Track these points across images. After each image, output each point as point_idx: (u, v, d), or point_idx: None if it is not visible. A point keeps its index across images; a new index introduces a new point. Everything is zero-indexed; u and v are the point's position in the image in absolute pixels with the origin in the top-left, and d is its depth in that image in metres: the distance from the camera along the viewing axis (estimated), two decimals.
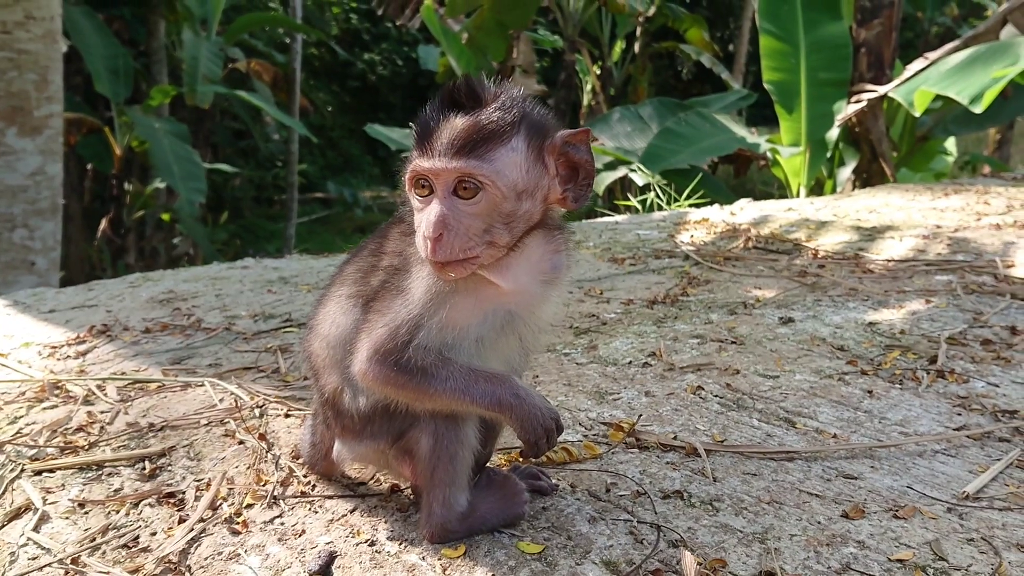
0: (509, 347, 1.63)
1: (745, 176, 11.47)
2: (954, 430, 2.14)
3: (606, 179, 9.19)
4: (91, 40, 12.34)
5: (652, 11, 14.48)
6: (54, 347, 2.93)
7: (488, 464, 1.82)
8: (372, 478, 1.90)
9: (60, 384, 2.49)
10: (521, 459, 1.90)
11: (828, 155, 8.61)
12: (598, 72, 16.30)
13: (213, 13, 14.24)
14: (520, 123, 1.46)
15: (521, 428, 1.55)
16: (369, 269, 1.67)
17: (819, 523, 1.69)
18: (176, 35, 14.64)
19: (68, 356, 2.84)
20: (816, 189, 8.68)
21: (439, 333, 1.52)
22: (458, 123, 1.44)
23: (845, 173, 8.70)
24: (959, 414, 2.24)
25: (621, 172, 9.12)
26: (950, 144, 11.30)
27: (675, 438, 2.08)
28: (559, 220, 1.60)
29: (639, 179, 8.33)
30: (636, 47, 16.74)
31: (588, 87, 16.64)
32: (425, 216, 1.45)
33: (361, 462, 1.82)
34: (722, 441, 2.07)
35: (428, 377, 1.52)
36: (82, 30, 12.21)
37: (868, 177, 8.61)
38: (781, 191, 10.40)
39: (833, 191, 8.45)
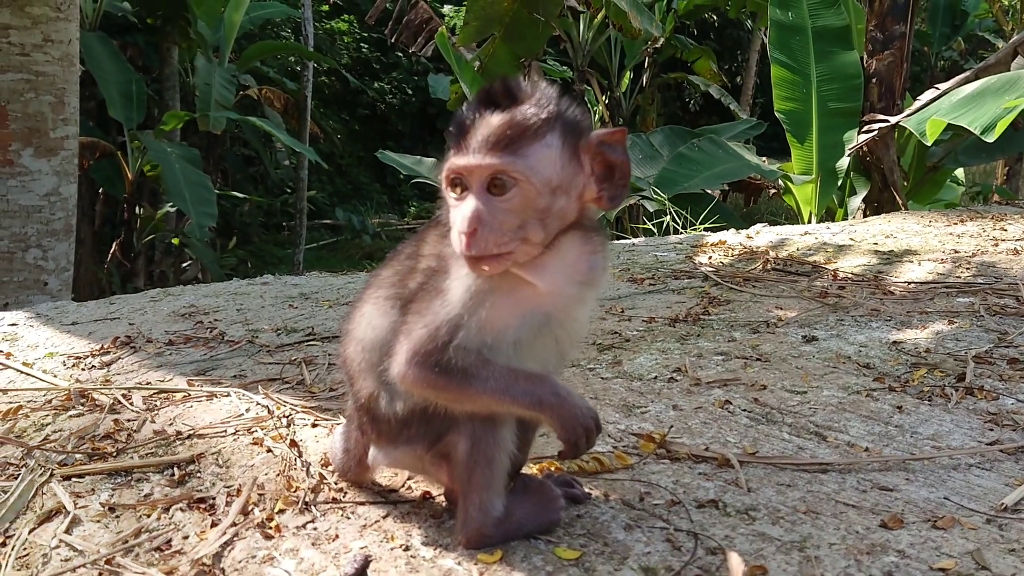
0: (546, 349, 1.62)
1: (755, 205, 11.49)
2: (987, 444, 2.12)
3: None
4: (105, 66, 12.45)
5: (662, 41, 14.59)
6: (78, 357, 2.93)
7: (522, 471, 1.81)
8: (403, 485, 1.89)
9: (86, 393, 2.49)
10: (557, 467, 1.89)
11: (839, 184, 8.64)
12: (606, 102, 16.41)
13: (226, 41, 14.40)
14: (555, 120, 1.48)
15: (561, 428, 1.55)
16: (406, 272, 1.66)
17: (858, 532, 1.68)
18: (189, 62, 14.78)
19: (93, 366, 2.84)
20: (827, 217, 8.69)
21: (479, 333, 1.52)
22: (493, 120, 1.46)
23: (856, 202, 8.71)
24: (991, 429, 2.23)
25: (633, 199, 9.14)
26: (959, 175, 11.32)
27: (707, 449, 2.06)
28: (595, 222, 1.60)
29: (651, 206, 8.35)
30: (644, 78, 16.87)
31: (597, 117, 16.74)
32: (460, 212, 1.46)
33: (397, 467, 1.81)
34: (754, 453, 2.06)
35: (469, 377, 1.51)
36: (97, 56, 12.32)
37: (879, 206, 8.62)
38: (790, 220, 10.42)
39: (844, 220, 8.46)
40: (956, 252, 4.46)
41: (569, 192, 1.50)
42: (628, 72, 16.79)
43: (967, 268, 4.06)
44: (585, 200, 1.53)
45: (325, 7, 21.11)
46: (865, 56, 8.77)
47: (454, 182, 1.48)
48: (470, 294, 1.52)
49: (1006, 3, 15.56)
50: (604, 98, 16.38)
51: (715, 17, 21.61)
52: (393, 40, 12.25)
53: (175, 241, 13.78)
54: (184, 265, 14.57)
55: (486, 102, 1.49)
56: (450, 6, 20.14)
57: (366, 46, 21.91)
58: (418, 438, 1.64)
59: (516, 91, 1.49)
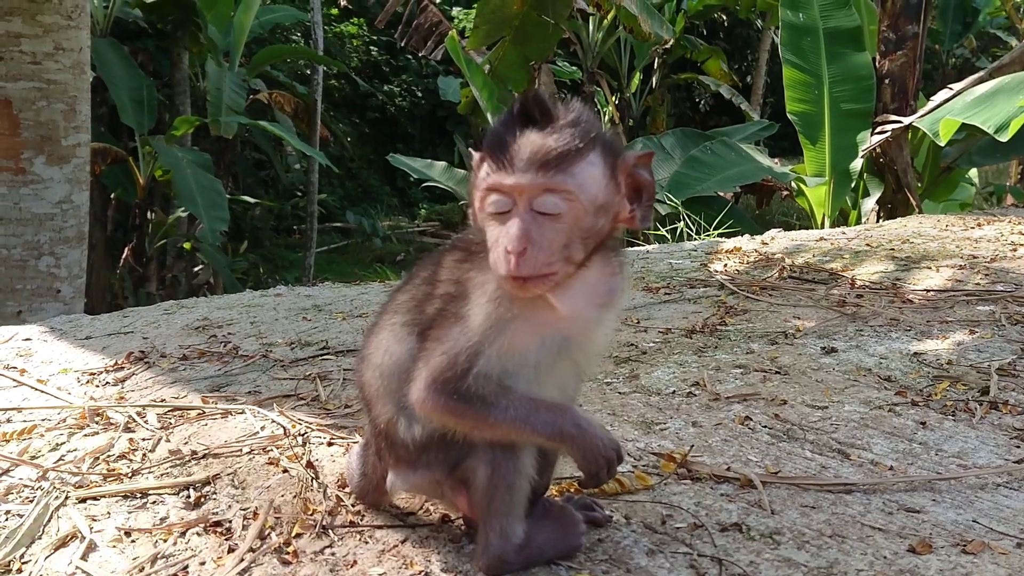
0: (565, 373, 1.61)
1: (767, 207, 11.43)
2: (1014, 462, 2.09)
3: None
4: (117, 71, 12.49)
5: (671, 42, 14.54)
6: (92, 373, 2.92)
7: (544, 495, 1.78)
8: (421, 508, 1.87)
9: (100, 411, 2.47)
10: (577, 488, 1.86)
11: (852, 186, 8.58)
12: (616, 103, 16.36)
13: (236, 45, 14.41)
14: (595, 140, 1.46)
15: (582, 459, 1.53)
16: (423, 297, 1.64)
17: (885, 558, 1.65)
18: (199, 67, 14.82)
19: (107, 383, 2.83)
20: (841, 219, 8.64)
21: (499, 360, 1.50)
22: (536, 139, 1.43)
23: (869, 204, 8.65)
24: (1017, 446, 2.19)
25: None
26: (972, 175, 11.24)
27: (728, 469, 2.03)
28: (616, 243, 1.59)
29: (663, 210, 8.30)
30: (654, 79, 16.83)
31: (607, 118, 16.70)
32: (506, 231, 1.42)
33: (415, 492, 1.79)
34: (776, 473, 2.03)
35: (488, 406, 1.49)
36: (108, 62, 12.36)
37: (893, 207, 8.56)
38: (802, 222, 10.36)
39: (858, 221, 8.40)
40: (974, 258, 4.41)
41: (608, 212, 1.49)
42: (638, 73, 16.76)
43: (986, 275, 4.01)
44: (619, 220, 1.52)
45: (335, 11, 21.13)
46: (877, 57, 8.71)
47: (496, 202, 1.45)
48: (490, 321, 1.50)
49: (1018, 0, 15.44)
50: (614, 99, 16.35)
51: (724, 17, 21.51)
52: (403, 43, 12.26)
53: (187, 246, 13.81)
54: (196, 270, 14.60)
55: (522, 119, 1.46)
56: (459, 8, 20.13)
57: (375, 49, 21.92)
58: (437, 463, 1.62)
59: (552, 109, 1.47)
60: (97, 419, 2.43)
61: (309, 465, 2.06)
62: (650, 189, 1.53)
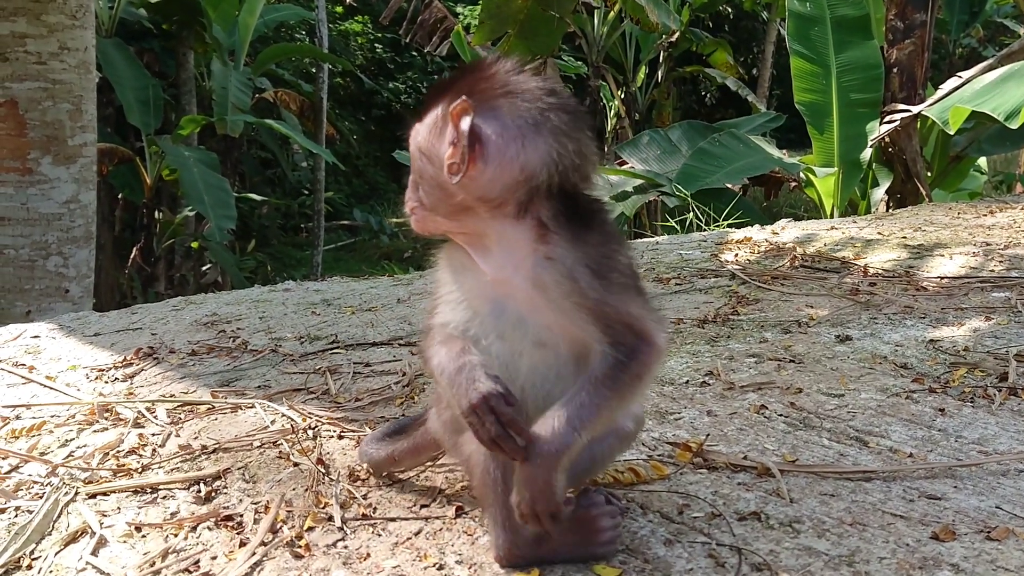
0: (543, 360, 1.51)
1: (776, 198, 11.36)
2: None
3: (636, 202, 9.14)
4: (122, 72, 12.49)
5: (677, 35, 14.49)
6: (101, 370, 2.90)
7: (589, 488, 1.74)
8: (435, 500, 1.85)
9: (110, 407, 2.46)
10: (594, 481, 1.83)
11: (861, 176, 8.53)
12: (622, 97, 16.32)
13: (241, 44, 14.41)
14: (460, 86, 1.44)
15: (450, 397, 1.49)
16: None
17: (908, 545, 1.61)
18: (205, 66, 14.81)
19: (116, 379, 2.81)
20: (850, 210, 8.58)
21: (452, 311, 1.54)
22: None
23: (879, 193, 8.60)
24: None
25: (652, 195, 9.06)
26: (982, 164, 11.16)
27: (745, 458, 2.00)
28: (557, 220, 1.44)
29: (671, 202, 8.27)
30: (660, 72, 16.77)
31: (612, 112, 16.67)
32: None
33: (438, 436, 1.74)
34: (794, 461, 2.00)
35: (425, 350, 1.57)
36: (114, 62, 12.36)
37: (902, 197, 8.51)
38: (810, 213, 10.31)
39: (867, 212, 8.34)
40: (987, 244, 4.37)
41: (432, 159, 1.46)
42: (643, 67, 16.70)
43: (1000, 261, 3.97)
44: (449, 171, 1.41)
45: (339, 8, 21.10)
46: (885, 46, 8.65)
47: None
48: (439, 274, 1.60)
49: None
50: (620, 93, 16.30)
51: (730, 9, 21.45)
52: (408, 40, 12.21)
53: (195, 245, 13.82)
54: (204, 269, 14.61)
55: None
56: (463, 4, 20.09)
57: (380, 46, 21.88)
58: (447, 425, 1.65)
59: (479, 62, 1.50)
60: (106, 415, 2.41)
61: (319, 461, 2.03)
62: (468, 137, 1.38)
